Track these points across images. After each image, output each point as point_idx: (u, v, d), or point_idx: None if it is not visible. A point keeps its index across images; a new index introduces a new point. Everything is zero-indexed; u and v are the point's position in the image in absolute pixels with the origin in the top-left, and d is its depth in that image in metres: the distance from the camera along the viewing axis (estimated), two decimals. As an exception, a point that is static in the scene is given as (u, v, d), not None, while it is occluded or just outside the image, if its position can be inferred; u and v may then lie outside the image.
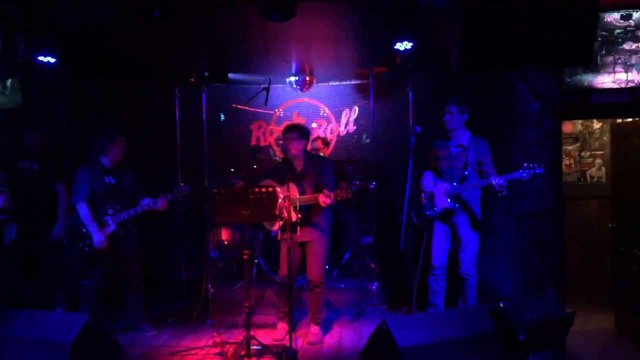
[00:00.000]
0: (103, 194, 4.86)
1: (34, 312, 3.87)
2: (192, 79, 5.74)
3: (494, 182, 4.53)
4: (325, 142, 6.68)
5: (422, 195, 4.89)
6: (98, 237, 4.76)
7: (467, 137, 4.85)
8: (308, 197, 4.59)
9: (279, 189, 4.36)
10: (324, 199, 4.48)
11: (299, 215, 4.55)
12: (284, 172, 4.85)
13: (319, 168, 4.78)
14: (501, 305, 3.73)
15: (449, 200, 4.77)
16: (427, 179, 4.90)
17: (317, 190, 4.65)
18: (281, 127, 6.63)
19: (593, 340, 5.14)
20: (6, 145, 5.44)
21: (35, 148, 5.37)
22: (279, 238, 4.90)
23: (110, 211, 4.85)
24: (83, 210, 4.79)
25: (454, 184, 4.76)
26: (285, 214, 4.35)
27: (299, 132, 4.77)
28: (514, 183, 4.55)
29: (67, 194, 5.28)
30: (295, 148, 4.75)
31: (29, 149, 5.35)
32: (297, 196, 4.62)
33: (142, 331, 5.10)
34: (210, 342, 4.70)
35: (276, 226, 4.85)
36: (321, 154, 6.30)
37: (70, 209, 5.11)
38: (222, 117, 6.71)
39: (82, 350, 3.46)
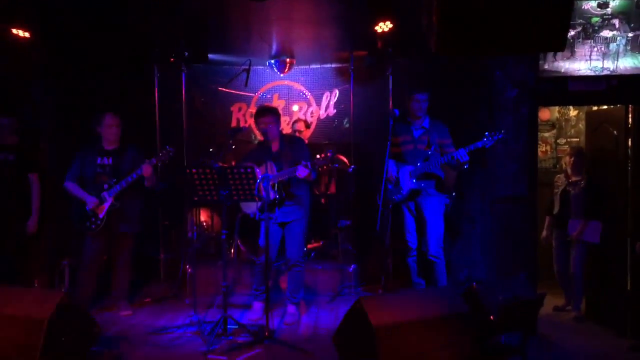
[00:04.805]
0: (95, 174, 4.96)
1: (10, 288, 3.85)
2: (172, 59, 5.70)
3: (458, 154, 4.64)
4: (307, 125, 6.69)
5: (387, 182, 4.95)
6: (91, 200, 4.87)
7: (427, 121, 5.03)
8: (285, 171, 4.63)
9: (258, 169, 4.38)
10: (301, 170, 4.49)
11: (277, 196, 4.60)
12: (261, 153, 4.91)
13: (295, 147, 4.86)
14: (474, 285, 3.82)
15: (414, 180, 4.88)
16: (390, 166, 4.94)
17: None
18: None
19: (563, 321, 5.33)
20: None
21: (10, 137, 5.23)
22: (256, 219, 4.90)
23: (105, 186, 4.91)
24: (69, 186, 4.96)
25: (418, 164, 4.89)
26: (264, 194, 4.38)
27: (274, 115, 4.87)
28: (478, 152, 4.72)
29: (39, 185, 5.26)
30: (273, 131, 4.83)
31: (3, 140, 5.21)
32: (275, 173, 4.66)
33: (118, 310, 5.10)
34: (187, 321, 4.74)
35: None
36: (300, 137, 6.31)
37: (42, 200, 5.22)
38: (202, 98, 6.69)
39: (57, 327, 3.45)
